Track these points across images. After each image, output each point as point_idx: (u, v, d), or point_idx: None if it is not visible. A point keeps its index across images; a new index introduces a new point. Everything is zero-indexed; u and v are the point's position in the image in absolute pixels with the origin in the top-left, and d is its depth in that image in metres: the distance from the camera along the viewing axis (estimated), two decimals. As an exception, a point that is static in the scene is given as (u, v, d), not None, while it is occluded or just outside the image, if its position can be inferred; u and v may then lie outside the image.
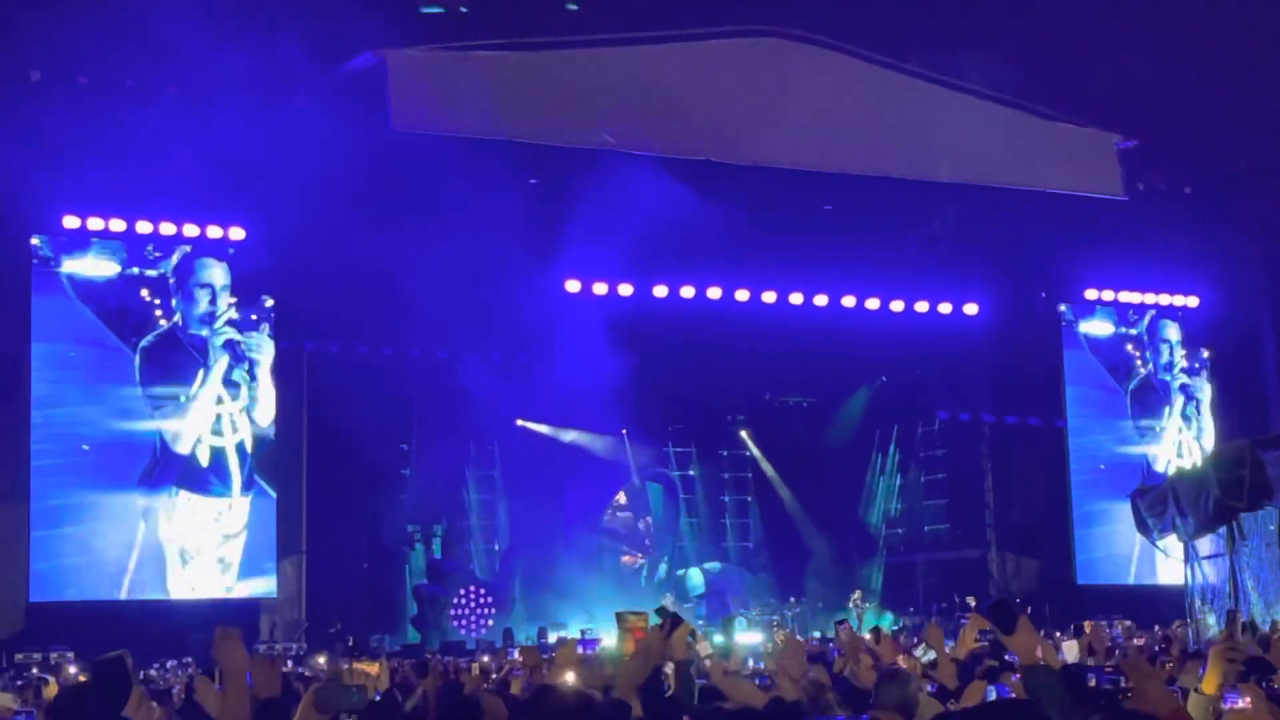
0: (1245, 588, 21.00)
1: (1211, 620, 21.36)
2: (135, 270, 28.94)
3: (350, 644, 28.60)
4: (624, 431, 36.05)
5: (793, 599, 35.44)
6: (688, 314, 33.71)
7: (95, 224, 28.46)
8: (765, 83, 32.57)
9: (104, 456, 28.37)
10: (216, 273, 29.45)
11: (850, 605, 34.28)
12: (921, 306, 35.62)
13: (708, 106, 32.00)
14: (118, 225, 28.67)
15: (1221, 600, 21.51)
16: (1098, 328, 37.35)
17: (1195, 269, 36.90)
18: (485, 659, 22.82)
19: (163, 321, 28.97)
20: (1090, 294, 37.20)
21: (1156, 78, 33.00)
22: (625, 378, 34.14)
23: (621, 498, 37.37)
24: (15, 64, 27.62)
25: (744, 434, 38.48)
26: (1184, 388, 37.83)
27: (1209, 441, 36.93)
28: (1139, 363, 37.70)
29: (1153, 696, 6.03)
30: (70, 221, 28.25)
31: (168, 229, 29.09)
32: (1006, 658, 9.88)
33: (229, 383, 29.39)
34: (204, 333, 29.29)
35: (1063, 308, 37.14)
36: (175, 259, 29.16)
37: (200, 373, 29.19)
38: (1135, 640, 22.08)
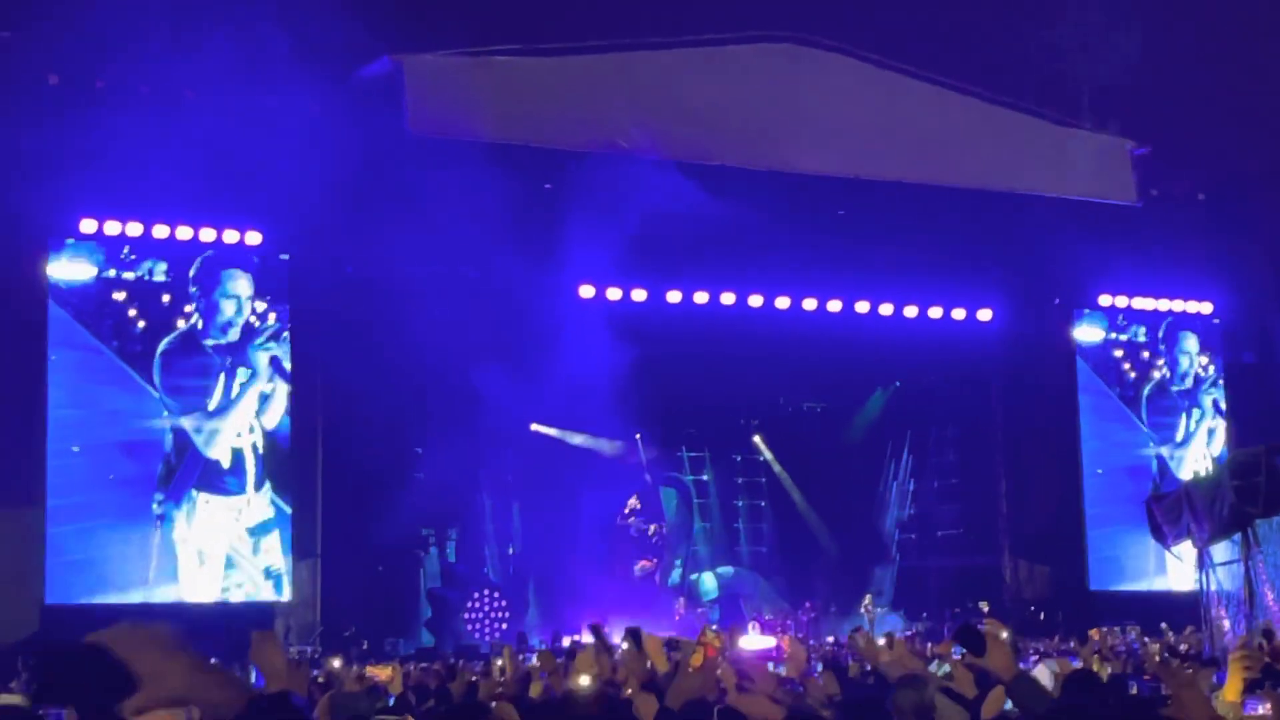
0: (1260, 594, 20.99)
1: (1227, 624, 21.35)
2: (150, 274, 29.02)
3: (365, 647, 28.69)
4: (637, 436, 36.08)
5: (807, 603, 35.51)
6: (701, 319, 33.77)
7: (112, 228, 28.54)
8: (781, 88, 32.63)
9: (122, 459, 28.47)
10: (241, 282, 29.61)
11: (861, 610, 34.32)
12: (935, 312, 35.65)
13: (723, 111, 32.05)
14: (134, 229, 28.75)
15: (1236, 607, 21.49)
16: (1111, 334, 37.35)
17: (1209, 275, 36.89)
18: (499, 661, 22.79)
19: (180, 323, 29.06)
20: (1104, 300, 37.20)
21: (1170, 84, 33.01)
22: (638, 383, 34.21)
23: (635, 502, 37.41)
24: (32, 69, 27.71)
25: (757, 439, 38.50)
26: (1197, 395, 37.83)
27: (1218, 448, 36.95)
28: (1155, 369, 37.70)
29: (1191, 705, 6.06)
30: (87, 225, 28.35)
31: (184, 233, 29.16)
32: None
33: (246, 387, 29.51)
34: (225, 338, 29.41)
35: (1077, 313, 37.15)
36: (197, 264, 29.28)
37: (221, 376, 29.32)
38: (1150, 646, 22.07)
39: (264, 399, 29.66)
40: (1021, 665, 8.94)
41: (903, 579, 37.92)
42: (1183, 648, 21.76)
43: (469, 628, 32.28)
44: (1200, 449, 37.34)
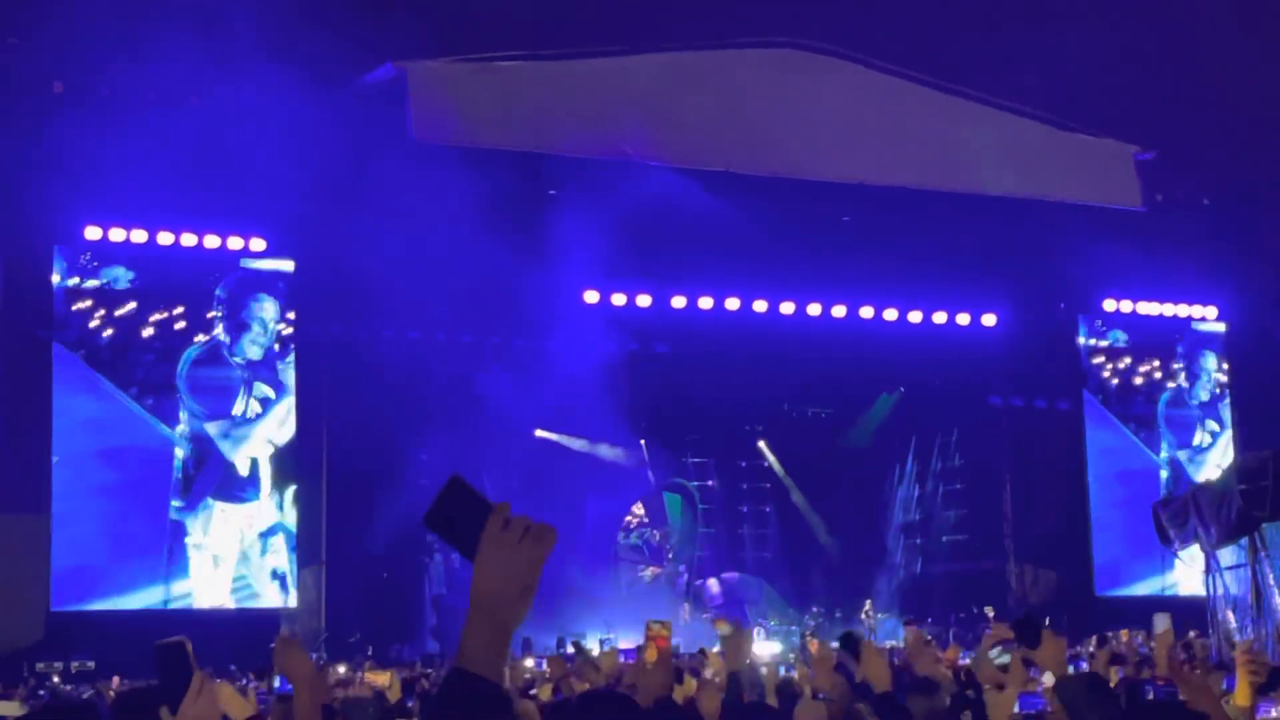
0: (1268, 597, 20.97)
1: (1234, 624, 21.35)
2: (156, 282, 29.08)
3: (370, 653, 28.65)
4: (642, 442, 36.08)
5: (814, 608, 35.48)
6: (706, 324, 33.75)
7: (116, 235, 28.56)
8: (784, 94, 32.63)
9: (135, 465, 28.59)
10: (268, 305, 29.88)
11: (861, 616, 34.29)
12: (939, 317, 35.64)
13: (727, 117, 32.05)
14: (138, 236, 28.77)
15: (1244, 611, 21.48)
16: (1119, 338, 37.35)
17: (1214, 280, 36.87)
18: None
19: (200, 337, 29.17)
20: (1109, 305, 37.19)
21: (1175, 89, 33.03)
22: (643, 388, 34.27)
23: (639, 508, 37.39)
24: (38, 76, 27.73)
25: (762, 444, 38.46)
26: (1204, 401, 37.84)
27: (1228, 453, 36.93)
28: (1162, 375, 37.71)
29: (1207, 709, 6.03)
30: (91, 232, 28.37)
31: (188, 240, 29.19)
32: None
33: (273, 403, 29.66)
34: (251, 352, 29.57)
35: (1082, 318, 37.15)
36: (225, 281, 29.63)
37: (243, 389, 29.45)
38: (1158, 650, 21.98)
39: (279, 410, 29.85)
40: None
41: (908, 584, 37.85)
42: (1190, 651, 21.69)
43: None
44: (1217, 459, 37.33)
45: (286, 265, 29.80)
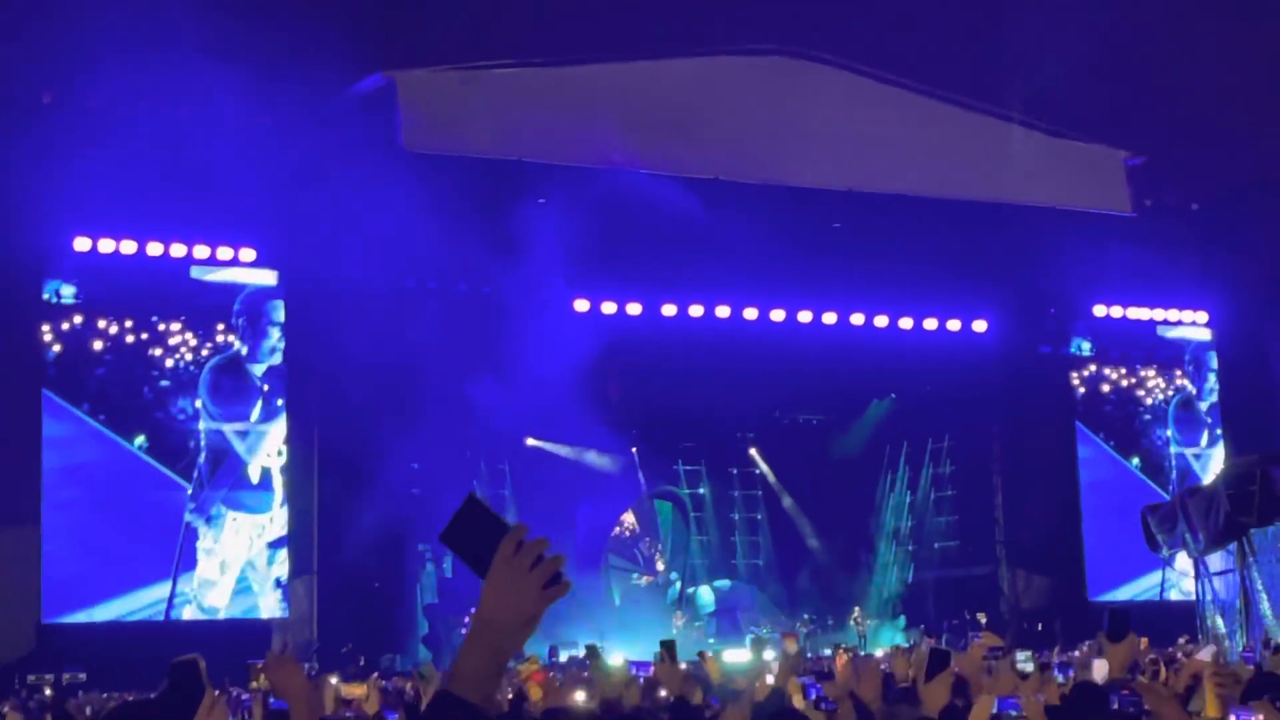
0: (1257, 603, 21.00)
1: (1223, 630, 21.39)
2: (145, 292, 29.15)
3: (361, 663, 28.63)
4: (633, 450, 36.10)
5: (806, 615, 35.50)
6: (696, 332, 33.80)
7: (106, 246, 28.57)
8: (775, 101, 32.68)
9: (140, 477, 28.66)
10: (282, 311, 29.92)
11: (851, 623, 34.32)
12: (930, 324, 35.71)
13: (718, 124, 32.10)
14: (128, 247, 28.79)
15: (1233, 616, 21.52)
16: (1107, 345, 37.44)
17: (1204, 285, 36.96)
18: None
19: (207, 346, 29.37)
20: (1099, 310, 37.26)
21: (1164, 94, 33.06)
22: (634, 396, 34.32)
23: (630, 516, 37.40)
24: (27, 87, 27.73)
25: (753, 451, 38.48)
26: (1193, 406, 37.95)
27: (1216, 458, 37.04)
28: (1155, 381, 37.81)
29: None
30: (81, 244, 28.38)
31: (178, 250, 29.21)
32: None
33: (273, 408, 29.81)
34: (272, 359, 29.73)
35: (1072, 323, 37.23)
36: (244, 293, 29.86)
37: (259, 399, 29.68)
38: (1150, 656, 22.03)
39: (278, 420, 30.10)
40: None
41: (899, 590, 37.85)
42: (1180, 657, 21.72)
43: (466, 643, 32.17)
44: (1208, 461, 37.47)
45: (268, 276, 29.83)
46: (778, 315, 34.46)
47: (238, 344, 29.78)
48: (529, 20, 31.57)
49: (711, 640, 32.51)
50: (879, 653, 27.86)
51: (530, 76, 31.20)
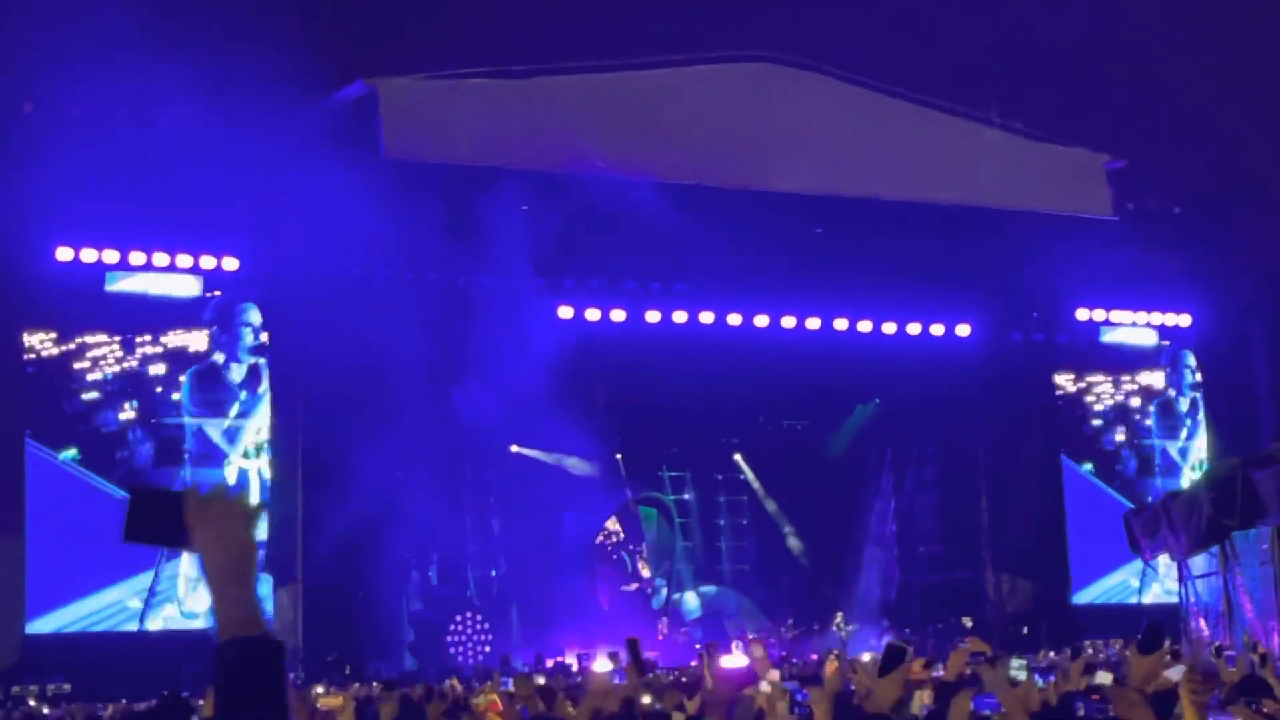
0: (1239, 606, 21.05)
1: (1206, 633, 21.43)
2: (131, 299, 29.15)
3: (347, 672, 28.62)
4: (618, 456, 36.10)
5: (790, 620, 35.54)
6: (680, 338, 33.82)
7: (88, 255, 28.55)
8: (757, 107, 32.70)
9: (152, 471, 28.82)
10: (254, 313, 29.89)
11: (834, 628, 34.35)
12: (914, 328, 35.78)
13: (700, 131, 32.10)
14: (110, 256, 28.76)
15: (1216, 619, 21.57)
16: (1092, 346, 37.53)
17: (1186, 288, 37.03)
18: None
19: (132, 359, 29.17)
20: (1081, 313, 37.34)
21: (1145, 98, 33.16)
22: (618, 402, 34.31)
23: (614, 523, 37.39)
24: (7, 97, 27.68)
25: (738, 457, 38.50)
26: (1173, 407, 38.04)
27: (1195, 459, 37.17)
28: (1133, 383, 37.91)
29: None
30: (63, 253, 28.34)
31: (161, 259, 29.18)
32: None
33: (250, 412, 29.78)
34: (244, 366, 29.70)
35: (1055, 327, 37.32)
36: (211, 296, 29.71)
37: (236, 404, 29.65)
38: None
39: (260, 425, 30.04)
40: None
41: (885, 595, 37.88)
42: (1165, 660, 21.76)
43: (452, 650, 32.22)
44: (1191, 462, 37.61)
45: (190, 284, 29.78)
46: (761, 321, 34.50)
47: (214, 350, 29.66)
48: (512, 29, 31.61)
49: (697, 646, 32.51)
50: (865, 657, 27.90)
51: (513, 86, 31.18)
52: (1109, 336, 37.75)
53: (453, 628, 32.66)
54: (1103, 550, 35.35)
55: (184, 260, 29.35)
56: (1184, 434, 38.07)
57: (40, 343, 28.51)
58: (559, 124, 30.71)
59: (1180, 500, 21.87)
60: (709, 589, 37.61)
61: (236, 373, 29.89)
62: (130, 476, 28.35)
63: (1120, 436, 37.52)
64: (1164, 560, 25.30)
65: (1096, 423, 37.48)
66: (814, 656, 30.99)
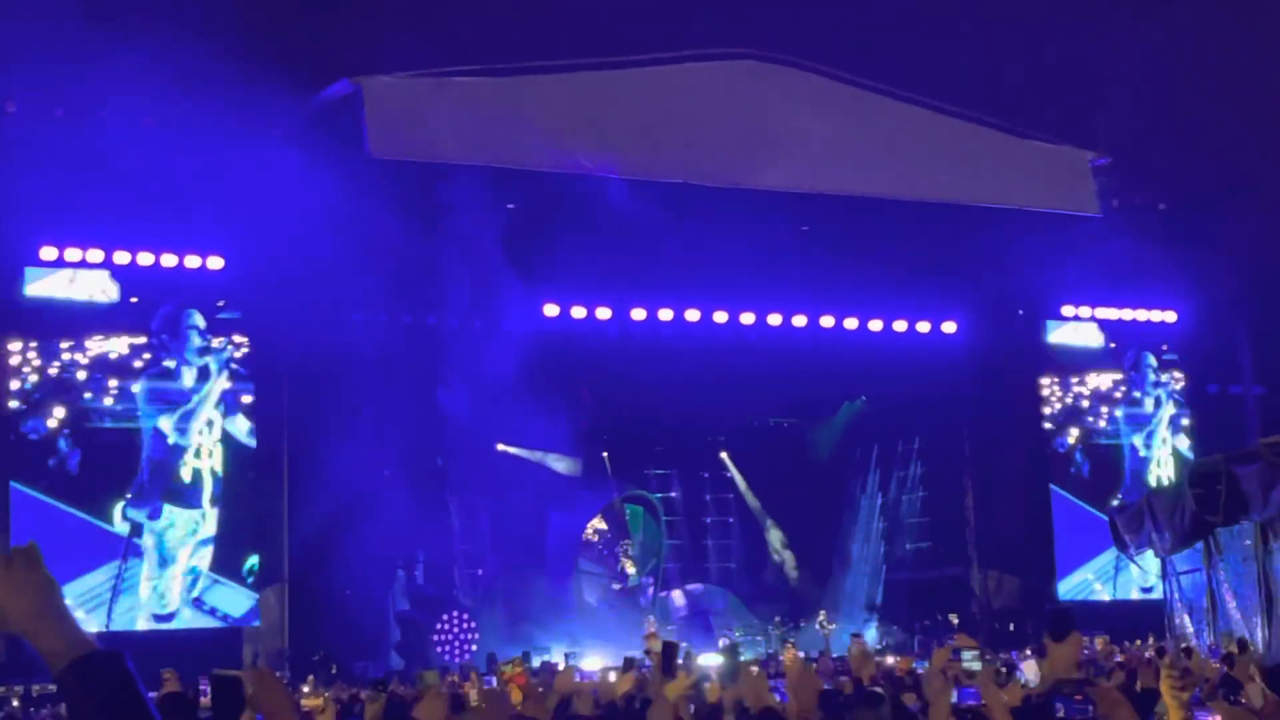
0: (1223, 602, 21.09)
1: (1190, 628, 21.47)
2: (111, 298, 29.09)
3: (334, 671, 28.59)
4: (604, 455, 36.11)
5: (778, 617, 35.56)
6: (666, 336, 33.82)
7: (72, 255, 28.52)
8: (742, 105, 32.70)
9: (87, 477, 28.66)
10: (198, 317, 29.79)
11: (817, 626, 34.36)
12: (900, 326, 35.81)
13: (685, 129, 32.10)
14: (94, 256, 28.73)
15: (1200, 614, 21.60)
16: (1077, 344, 37.56)
17: (1172, 285, 37.05)
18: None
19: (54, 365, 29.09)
20: (1067, 310, 37.38)
21: (1131, 95, 33.17)
22: (605, 401, 34.31)
23: (599, 521, 37.40)
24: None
25: (724, 455, 38.51)
26: (1159, 403, 38.09)
27: (1167, 457, 37.27)
28: (1119, 379, 37.95)
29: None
30: (47, 253, 28.32)
31: (145, 259, 29.15)
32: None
33: (198, 413, 29.73)
34: (194, 369, 29.62)
35: (1041, 324, 37.36)
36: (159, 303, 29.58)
37: (193, 400, 29.57)
38: (1116, 658, 22.15)
39: (225, 425, 29.90)
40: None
41: (872, 592, 37.91)
42: (1148, 655, 21.82)
43: (439, 650, 32.19)
44: (1164, 459, 37.63)
45: (107, 286, 29.67)
46: (748, 318, 34.52)
47: (166, 359, 29.62)
48: (498, 28, 31.57)
49: (684, 644, 32.49)
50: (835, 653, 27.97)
51: (499, 84, 31.17)
52: (1054, 336, 37.67)
53: (439, 627, 32.63)
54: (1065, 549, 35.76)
55: (169, 259, 29.32)
56: (1149, 433, 37.99)
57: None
58: (545, 123, 30.68)
59: (1164, 497, 21.92)
60: (695, 587, 37.61)
61: (188, 376, 29.73)
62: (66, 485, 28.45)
63: (1072, 439, 37.49)
64: (1139, 561, 25.38)
65: (1047, 425, 37.48)
66: (802, 655, 31.04)
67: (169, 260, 29.38)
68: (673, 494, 38.04)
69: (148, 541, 28.97)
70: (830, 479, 38.26)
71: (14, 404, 28.57)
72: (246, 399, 30.16)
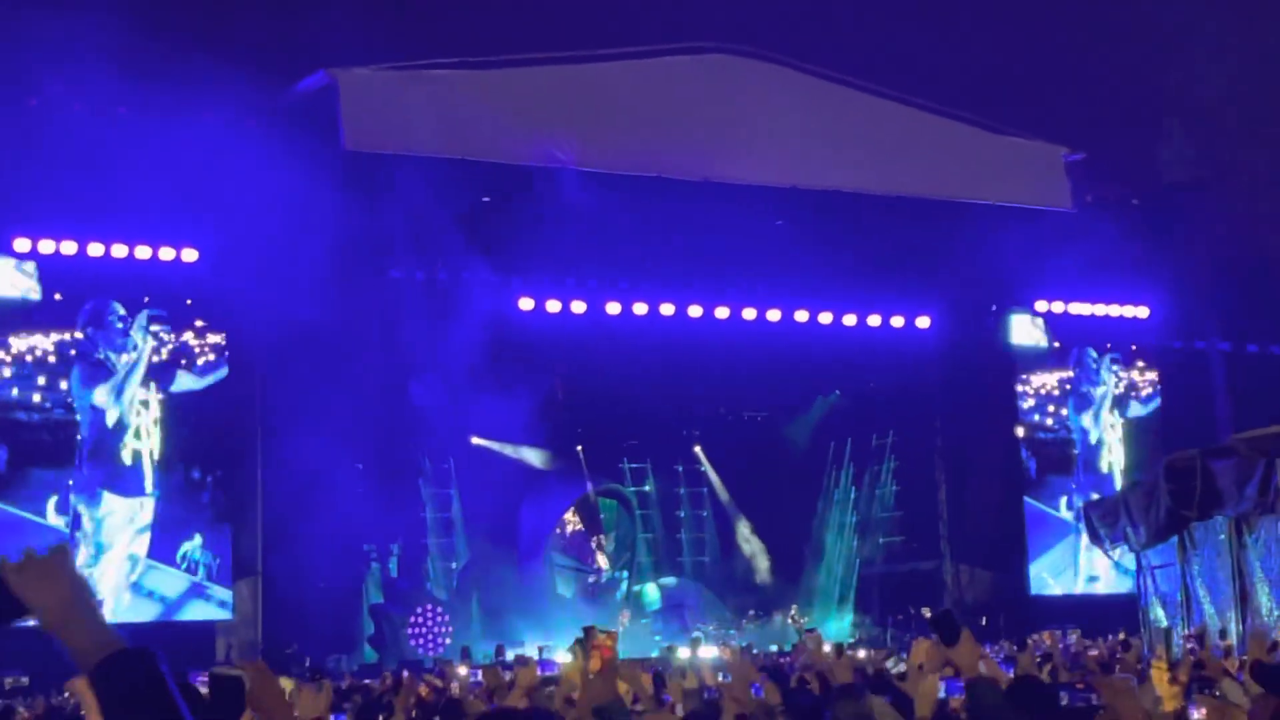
0: (1197, 597, 21.18)
1: (1164, 623, 21.54)
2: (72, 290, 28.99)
3: (307, 664, 28.50)
4: (579, 448, 36.11)
5: (752, 611, 35.62)
6: (640, 330, 33.82)
7: (46, 246, 28.39)
8: (716, 99, 32.73)
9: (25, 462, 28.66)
10: (119, 306, 29.60)
11: (789, 620, 34.43)
12: (874, 320, 35.87)
13: (659, 123, 32.13)
14: (68, 248, 28.60)
15: (1174, 609, 21.69)
16: (1045, 339, 37.68)
17: (1144, 280, 37.21)
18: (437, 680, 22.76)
19: (77, 335, 29.00)
20: (1040, 305, 37.48)
21: (1103, 91, 33.32)
22: (579, 393, 34.31)
23: (573, 514, 37.37)
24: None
25: (698, 449, 38.52)
26: (1120, 398, 38.29)
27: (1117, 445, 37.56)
28: (1088, 373, 38.11)
29: (1127, 714, 6.08)
30: (20, 245, 28.19)
31: (119, 251, 29.02)
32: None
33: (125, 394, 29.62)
34: (122, 358, 29.48)
35: (1014, 319, 37.47)
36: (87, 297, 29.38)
37: (121, 371, 29.48)
38: (1091, 652, 22.22)
39: (162, 408, 29.77)
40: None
41: (844, 586, 37.97)
42: (1118, 652, 21.91)
43: (412, 643, 32.17)
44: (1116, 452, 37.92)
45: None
46: (722, 312, 34.54)
47: (98, 352, 29.45)
48: (473, 21, 31.55)
49: (658, 637, 32.56)
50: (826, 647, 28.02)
51: (474, 77, 31.15)
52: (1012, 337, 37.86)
53: (413, 620, 32.61)
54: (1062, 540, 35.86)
55: (143, 251, 29.19)
56: (1099, 427, 38.16)
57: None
58: (519, 116, 30.66)
59: (1139, 492, 22.00)
60: (669, 580, 37.63)
61: (117, 360, 29.55)
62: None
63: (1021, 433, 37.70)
64: (1114, 556, 25.47)
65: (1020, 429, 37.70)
66: (774, 647, 31.11)
67: (143, 252, 29.25)
68: (646, 487, 38.02)
69: (87, 529, 28.87)
70: (804, 473, 38.30)
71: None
72: (185, 362, 30.02)
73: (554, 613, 33.12)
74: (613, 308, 33.71)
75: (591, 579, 37.39)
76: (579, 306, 33.47)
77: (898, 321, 36.18)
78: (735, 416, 38.71)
